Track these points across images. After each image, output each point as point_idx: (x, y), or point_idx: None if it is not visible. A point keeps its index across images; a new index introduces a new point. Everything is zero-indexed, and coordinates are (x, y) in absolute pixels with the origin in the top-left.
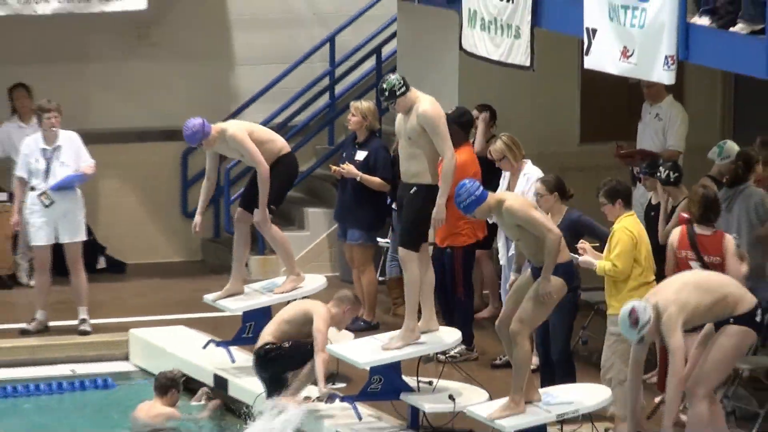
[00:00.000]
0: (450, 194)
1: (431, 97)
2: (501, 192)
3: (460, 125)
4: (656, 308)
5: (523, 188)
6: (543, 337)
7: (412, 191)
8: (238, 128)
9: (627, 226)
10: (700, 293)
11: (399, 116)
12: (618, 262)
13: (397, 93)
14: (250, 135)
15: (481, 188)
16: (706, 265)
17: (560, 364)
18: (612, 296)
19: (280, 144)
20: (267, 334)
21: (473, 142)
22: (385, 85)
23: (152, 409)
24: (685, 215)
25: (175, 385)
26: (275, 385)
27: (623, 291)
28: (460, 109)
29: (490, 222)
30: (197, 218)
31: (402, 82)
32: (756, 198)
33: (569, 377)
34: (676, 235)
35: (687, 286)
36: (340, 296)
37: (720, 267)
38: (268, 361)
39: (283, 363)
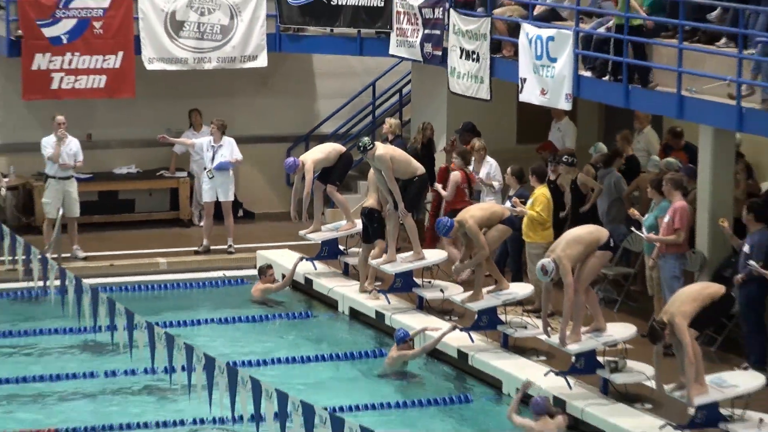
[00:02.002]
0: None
1: (385, 146)
2: (461, 214)
3: (470, 131)
4: (554, 261)
5: (487, 170)
6: (498, 259)
7: (414, 179)
8: (309, 162)
9: (543, 193)
10: (577, 246)
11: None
12: (543, 213)
13: (368, 148)
14: (317, 161)
15: (450, 221)
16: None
17: (514, 273)
18: (532, 231)
19: (338, 149)
20: (373, 202)
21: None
22: (360, 144)
23: (256, 287)
24: None
25: (263, 271)
26: (375, 232)
27: (538, 230)
28: (468, 122)
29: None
30: (293, 213)
31: (371, 141)
32: (613, 178)
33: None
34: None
35: (570, 243)
36: None
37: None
38: (371, 218)
39: (375, 225)
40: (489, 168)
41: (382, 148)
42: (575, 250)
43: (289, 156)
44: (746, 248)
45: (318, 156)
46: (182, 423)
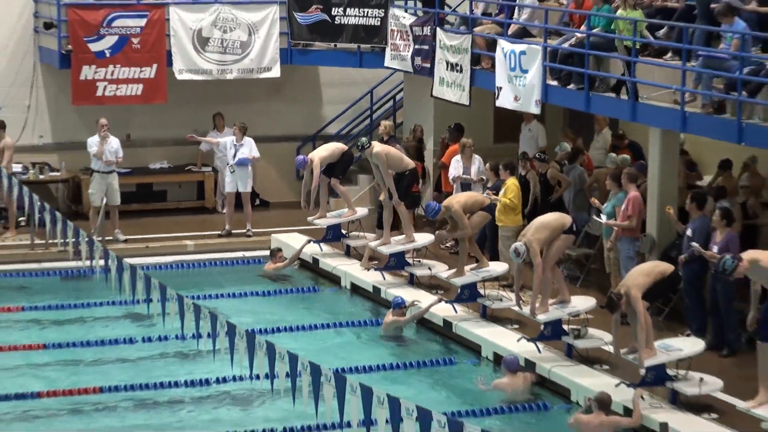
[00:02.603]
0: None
1: (381, 144)
2: (448, 200)
3: (458, 131)
4: (525, 244)
5: (477, 165)
6: (477, 242)
7: (406, 173)
8: (317, 159)
9: (514, 183)
10: (545, 231)
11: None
12: (514, 199)
13: (365, 147)
14: (323, 159)
15: (438, 205)
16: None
17: (491, 254)
18: (504, 216)
19: (341, 147)
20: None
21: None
22: (359, 143)
23: (268, 266)
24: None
25: (273, 253)
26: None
27: (510, 215)
28: (458, 123)
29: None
30: (302, 202)
31: (368, 141)
32: (577, 172)
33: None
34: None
35: (538, 229)
36: None
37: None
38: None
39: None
40: (479, 164)
41: (378, 147)
42: (543, 235)
43: (299, 154)
44: (689, 232)
45: (323, 154)
46: (207, 382)
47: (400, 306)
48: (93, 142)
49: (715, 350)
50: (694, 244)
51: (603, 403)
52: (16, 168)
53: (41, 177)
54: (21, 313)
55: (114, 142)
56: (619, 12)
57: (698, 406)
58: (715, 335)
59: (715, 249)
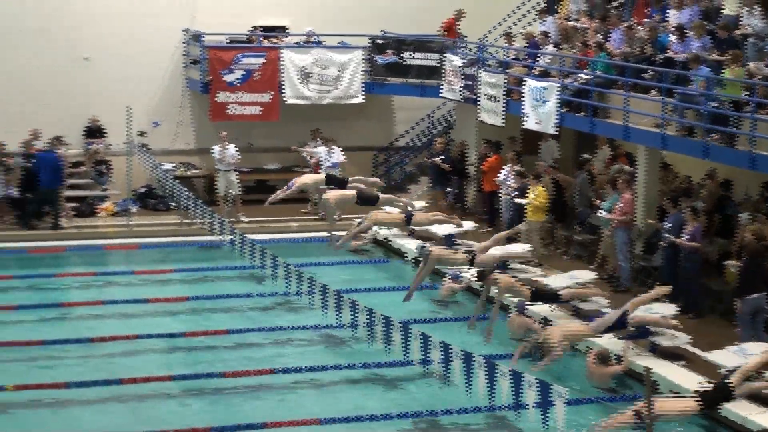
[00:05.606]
0: None
1: (435, 248)
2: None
3: (496, 146)
4: None
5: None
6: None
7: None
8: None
9: (543, 189)
10: None
11: None
12: (545, 201)
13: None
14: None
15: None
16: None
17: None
18: (533, 214)
19: None
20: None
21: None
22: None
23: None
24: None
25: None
26: None
27: (537, 213)
28: (497, 141)
29: None
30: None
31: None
32: (582, 177)
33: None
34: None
35: None
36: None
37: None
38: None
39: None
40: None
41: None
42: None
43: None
44: (667, 225)
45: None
46: (304, 328)
47: (458, 278)
48: (216, 150)
49: (685, 313)
50: (668, 235)
51: (602, 357)
52: (169, 166)
53: (186, 173)
54: (171, 274)
55: (231, 148)
56: (727, 71)
57: (672, 355)
58: (685, 302)
59: (686, 237)
